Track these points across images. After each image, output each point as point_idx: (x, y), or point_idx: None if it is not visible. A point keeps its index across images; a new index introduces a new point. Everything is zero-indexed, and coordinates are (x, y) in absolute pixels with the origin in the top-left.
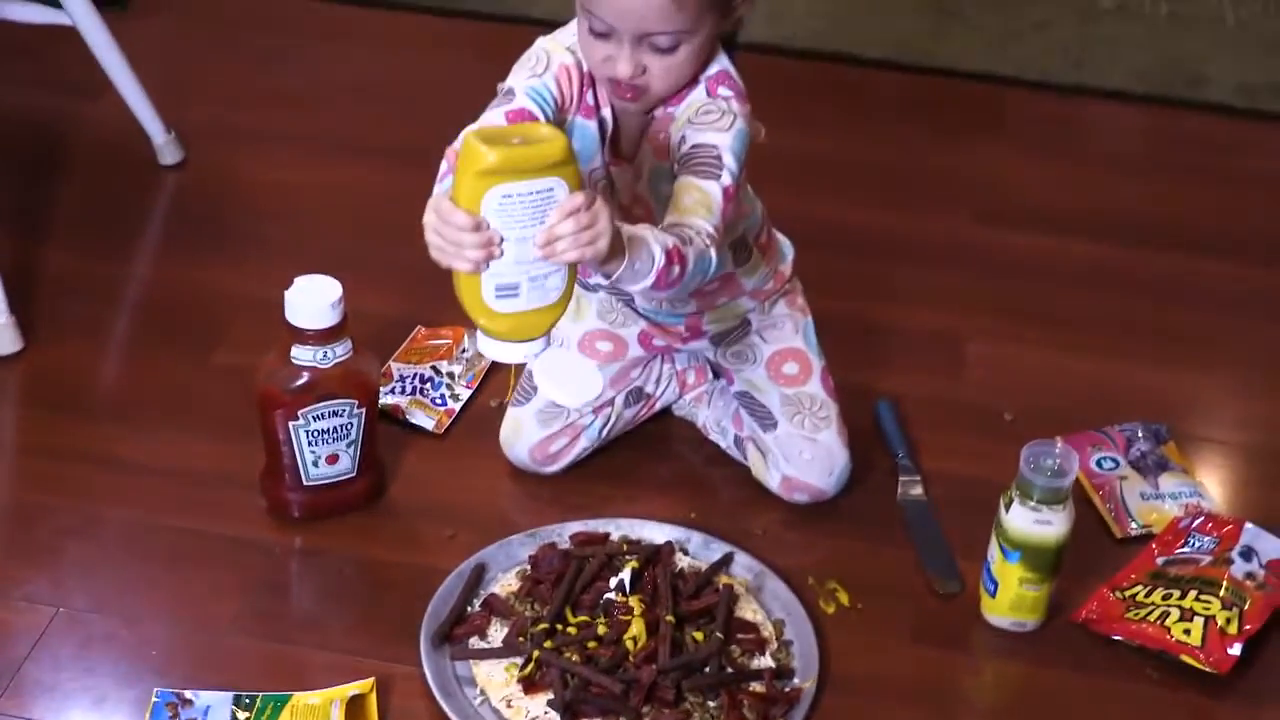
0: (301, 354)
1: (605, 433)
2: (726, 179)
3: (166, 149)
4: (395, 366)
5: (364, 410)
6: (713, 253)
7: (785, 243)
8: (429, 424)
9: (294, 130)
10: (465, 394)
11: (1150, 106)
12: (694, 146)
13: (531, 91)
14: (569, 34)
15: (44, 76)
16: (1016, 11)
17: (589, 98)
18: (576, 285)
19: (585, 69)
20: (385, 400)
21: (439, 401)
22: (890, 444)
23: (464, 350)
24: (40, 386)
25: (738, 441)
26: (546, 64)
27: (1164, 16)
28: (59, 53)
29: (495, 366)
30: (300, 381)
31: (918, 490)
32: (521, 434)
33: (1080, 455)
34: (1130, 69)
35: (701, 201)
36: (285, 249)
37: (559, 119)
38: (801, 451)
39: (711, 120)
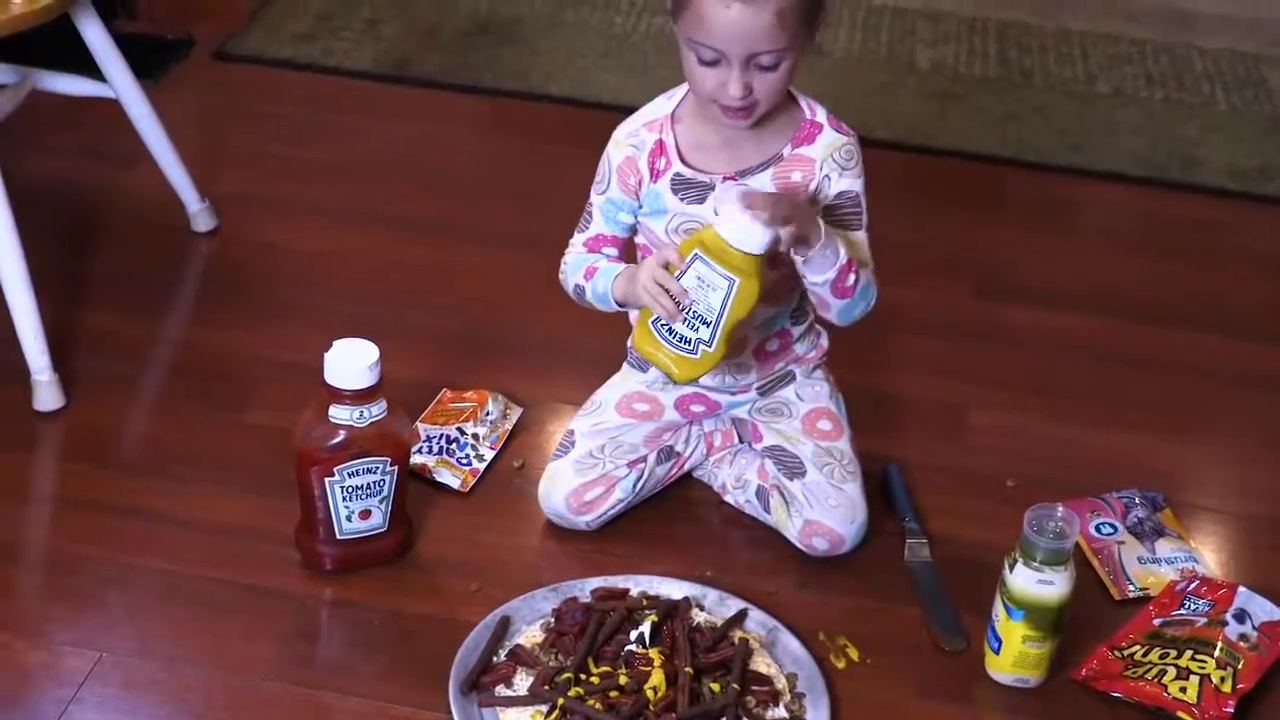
0: (339, 413)
1: (639, 486)
2: (864, 221)
3: (200, 216)
4: (422, 427)
5: (396, 468)
6: (875, 289)
7: None
8: (455, 483)
9: (322, 201)
10: (489, 454)
11: (1145, 188)
12: (840, 194)
13: (605, 208)
14: (628, 123)
15: (83, 145)
16: (1016, 96)
17: (658, 162)
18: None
19: (648, 147)
20: (413, 460)
21: (464, 461)
22: (898, 507)
23: (488, 413)
24: (80, 441)
25: (760, 493)
26: (608, 174)
27: (1159, 101)
28: (97, 122)
29: (517, 430)
30: (337, 439)
31: (924, 552)
32: (558, 483)
33: (1080, 520)
34: (1126, 151)
35: (860, 252)
36: (313, 314)
37: (634, 215)
38: (828, 498)
39: (853, 165)
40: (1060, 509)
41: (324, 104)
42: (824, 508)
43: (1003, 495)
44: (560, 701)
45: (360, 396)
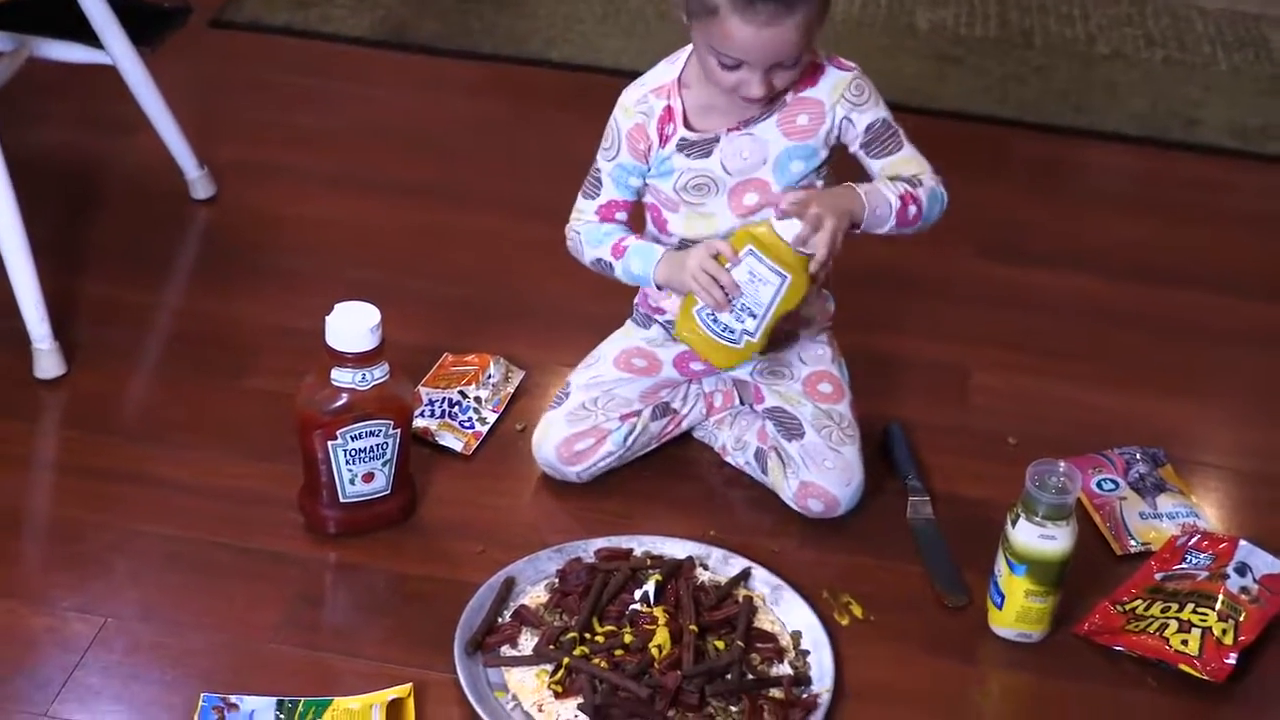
0: (341, 376)
1: (630, 441)
2: (902, 134)
3: (199, 184)
4: (424, 391)
5: (399, 431)
6: (942, 188)
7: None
8: (457, 445)
9: (320, 167)
10: (492, 417)
11: (1146, 148)
12: (868, 129)
13: (616, 174)
14: (635, 89)
15: (81, 114)
16: (1017, 57)
17: (666, 130)
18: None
19: (657, 114)
20: (415, 423)
21: (467, 424)
22: (900, 466)
23: (490, 376)
24: (82, 409)
25: (759, 454)
26: (617, 140)
27: (1159, 62)
28: (95, 90)
29: (519, 393)
30: (339, 403)
31: (926, 509)
32: (550, 433)
33: (1081, 477)
34: (1127, 112)
35: (914, 166)
36: (312, 280)
37: (643, 179)
38: (824, 460)
39: (866, 97)
40: (1062, 464)
41: (321, 71)
42: (820, 469)
43: (1004, 454)
44: (565, 661)
45: (362, 359)
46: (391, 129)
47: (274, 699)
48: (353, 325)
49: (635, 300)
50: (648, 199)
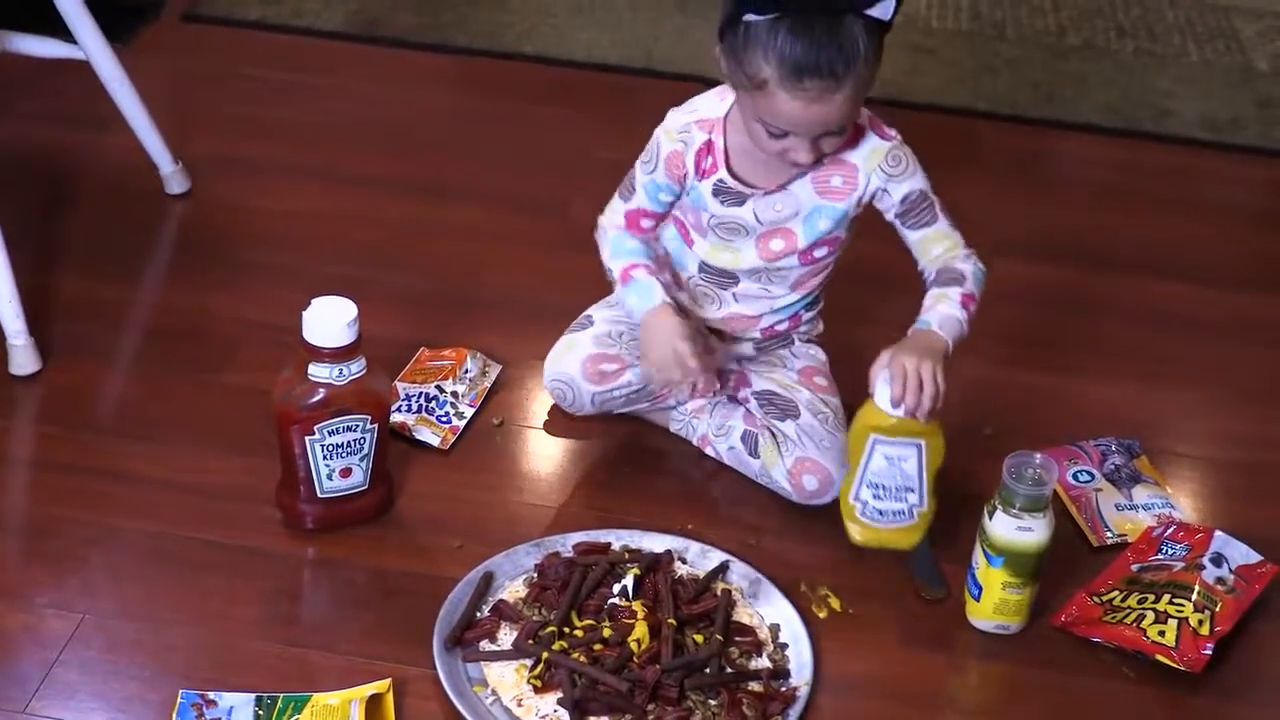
0: (318, 371)
1: (644, 380)
2: (939, 206)
3: (173, 179)
4: (400, 386)
5: (376, 425)
6: (981, 265)
7: None
8: (435, 440)
9: (295, 162)
10: (469, 412)
11: (1118, 139)
12: (904, 200)
13: (649, 187)
14: (682, 114)
15: (54, 109)
16: (989, 49)
17: (704, 162)
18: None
19: (695, 145)
20: (392, 418)
21: (444, 419)
22: None
23: (467, 371)
24: (57, 405)
25: (745, 436)
26: (656, 158)
27: (1130, 53)
28: (67, 85)
29: (496, 387)
30: (316, 398)
31: None
32: (576, 349)
33: (1058, 469)
34: (1098, 103)
35: (947, 243)
36: (288, 275)
37: (676, 198)
38: (821, 439)
39: (904, 169)
40: (1039, 456)
41: (295, 65)
42: (817, 448)
43: (980, 445)
44: (545, 655)
45: (339, 354)
46: (366, 123)
47: (253, 695)
48: (330, 320)
49: None
50: (677, 214)
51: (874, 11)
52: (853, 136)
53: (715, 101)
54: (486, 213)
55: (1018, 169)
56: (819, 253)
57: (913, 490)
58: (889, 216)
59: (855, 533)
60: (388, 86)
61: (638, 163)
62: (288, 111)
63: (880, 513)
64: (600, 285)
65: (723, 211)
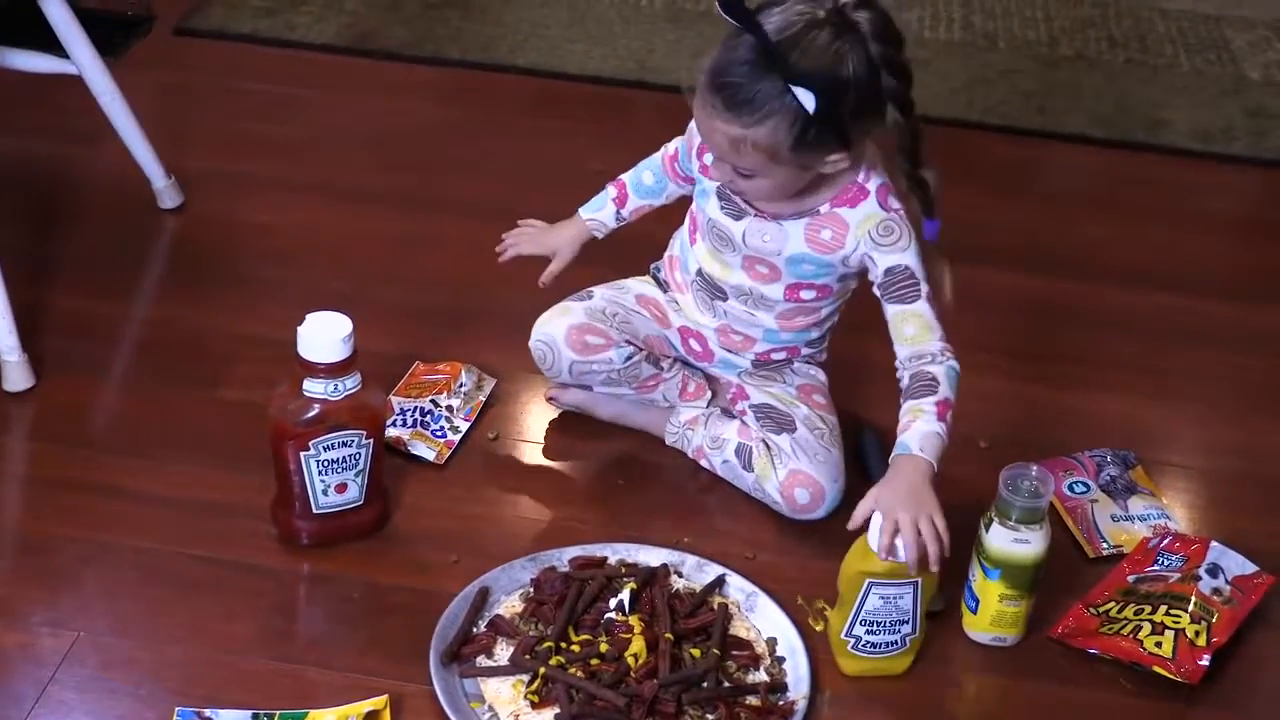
0: (313, 387)
1: (628, 364)
2: (924, 290)
3: (166, 193)
4: (395, 400)
5: (372, 441)
6: (954, 362)
7: None
8: (430, 455)
9: (289, 176)
10: (464, 426)
11: (1110, 149)
12: (888, 271)
13: (682, 145)
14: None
15: (46, 124)
16: (981, 60)
17: (707, 158)
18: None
19: (698, 141)
20: (387, 433)
21: (439, 433)
22: (873, 472)
23: (461, 385)
24: (51, 421)
25: (740, 450)
26: (690, 133)
27: (1122, 64)
28: (60, 101)
29: (491, 401)
30: (312, 413)
31: None
32: (567, 314)
33: (1054, 480)
34: (1091, 114)
35: (921, 325)
36: (282, 289)
37: (689, 177)
38: (815, 453)
39: (894, 240)
40: (1034, 468)
41: (288, 79)
42: (811, 461)
43: (976, 457)
44: (541, 670)
45: (334, 369)
46: (359, 136)
47: (249, 712)
48: (324, 335)
49: (655, 264)
50: (692, 209)
51: (797, 91)
52: (855, 196)
53: None
54: (481, 226)
55: (1010, 180)
56: (805, 294)
57: (906, 622)
58: (874, 285)
59: (846, 665)
60: (380, 100)
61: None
62: (281, 125)
63: (874, 645)
64: (621, 266)
65: (719, 218)
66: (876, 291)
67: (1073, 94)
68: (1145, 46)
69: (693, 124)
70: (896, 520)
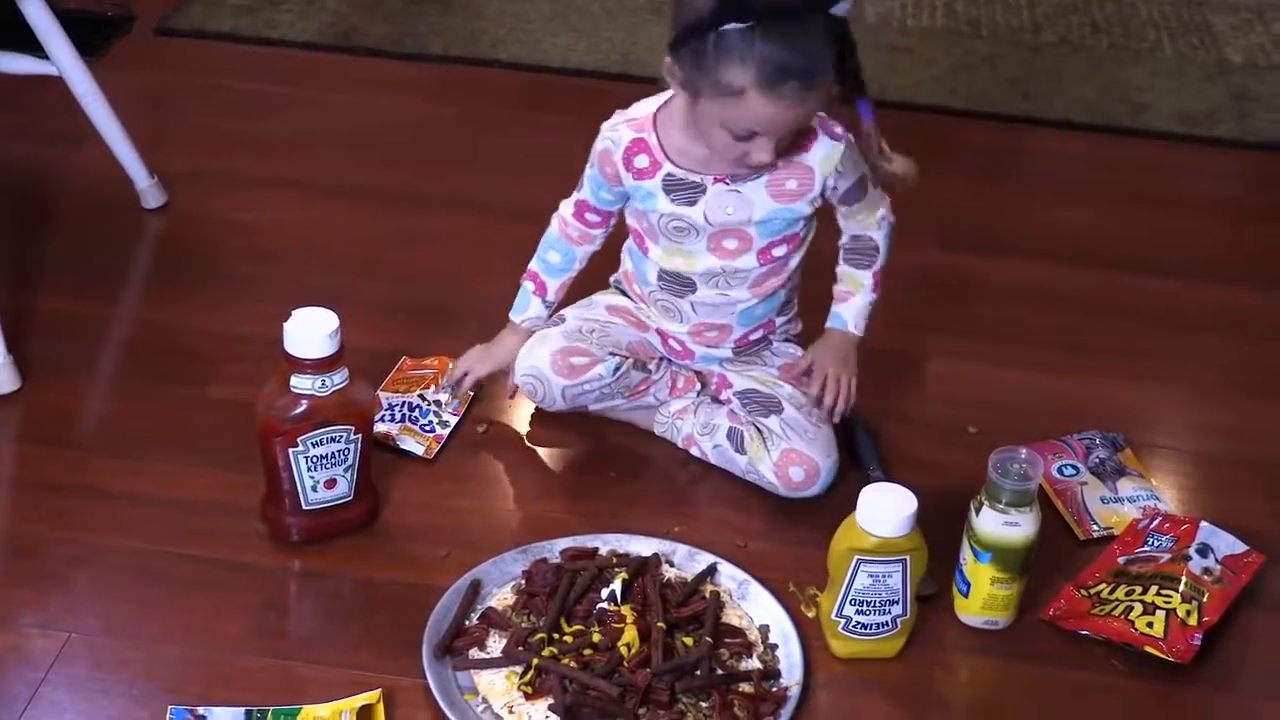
0: (300, 383)
1: (618, 375)
2: (870, 183)
3: (149, 193)
4: (383, 396)
5: (360, 436)
6: (892, 217)
7: None
8: (419, 450)
9: (272, 174)
10: (452, 420)
11: (1095, 134)
12: (848, 189)
13: (591, 182)
14: (617, 115)
15: (27, 125)
16: (964, 47)
17: (635, 160)
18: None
19: (623, 144)
20: (375, 428)
21: (427, 428)
22: (862, 458)
23: (449, 379)
24: (39, 423)
25: (731, 434)
26: (593, 153)
27: (1105, 49)
28: (41, 102)
29: (480, 394)
30: (299, 410)
31: None
32: (546, 343)
33: (1043, 463)
34: (1075, 99)
35: (869, 211)
36: (268, 287)
37: (617, 200)
38: (806, 431)
39: (855, 164)
40: (1024, 451)
41: (269, 77)
42: (803, 439)
43: (966, 442)
44: (535, 661)
45: (321, 365)
46: (342, 133)
47: (242, 709)
48: (311, 331)
49: (614, 277)
50: (631, 222)
51: (837, 11)
52: (805, 139)
53: (648, 103)
54: (465, 220)
55: (994, 166)
56: (778, 251)
57: (896, 603)
58: (833, 200)
59: (837, 647)
60: (363, 96)
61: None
62: (263, 123)
63: (864, 626)
64: (578, 290)
65: (672, 210)
66: (835, 201)
67: (1056, 80)
68: (1128, 31)
69: (603, 145)
70: (827, 373)
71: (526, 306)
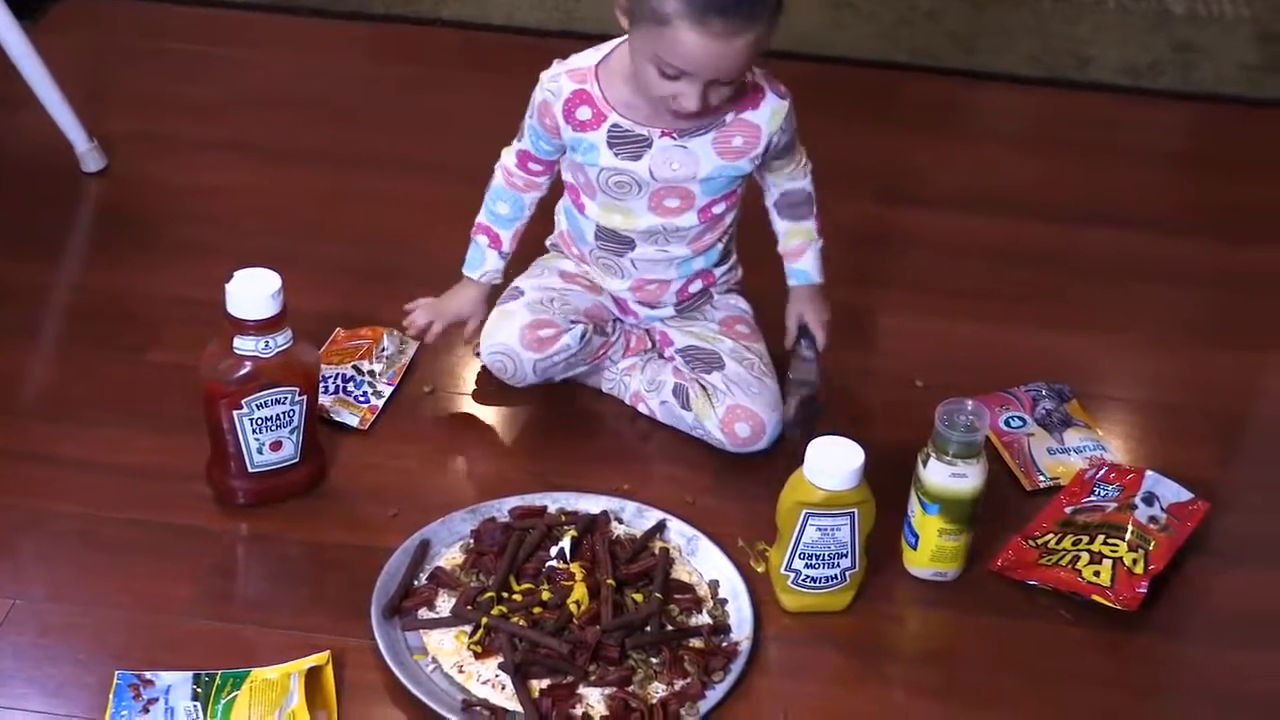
0: (244, 344)
1: (584, 343)
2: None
3: (89, 157)
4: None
5: (305, 397)
6: (809, 163)
7: None
8: (353, 421)
9: (213, 136)
10: (387, 390)
11: (1040, 88)
12: (785, 145)
13: (531, 132)
14: (557, 65)
15: None
16: (908, 2)
17: (577, 112)
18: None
19: (564, 95)
20: None
21: (362, 399)
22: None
23: (383, 349)
24: None
25: (677, 390)
26: (533, 104)
27: (1048, 2)
28: None
29: (421, 358)
30: (243, 371)
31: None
32: (511, 318)
33: (989, 415)
34: (1019, 53)
35: (795, 161)
36: (209, 250)
37: (557, 143)
38: (749, 386)
39: (793, 119)
40: (970, 403)
41: (209, 38)
42: (747, 394)
43: (912, 395)
44: (484, 620)
45: (264, 326)
46: (284, 94)
47: (190, 673)
48: (254, 292)
49: (550, 239)
50: (567, 178)
51: None
52: (754, 97)
53: (589, 53)
54: (408, 181)
55: (941, 120)
56: (717, 209)
57: (845, 556)
58: (770, 158)
59: (787, 601)
60: (304, 57)
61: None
62: (204, 85)
63: (813, 579)
64: (524, 253)
65: (615, 164)
66: (771, 155)
67: (1001, 34)
68: None
69: (543, 96)
70: (821, 325)
71: (482, 260)
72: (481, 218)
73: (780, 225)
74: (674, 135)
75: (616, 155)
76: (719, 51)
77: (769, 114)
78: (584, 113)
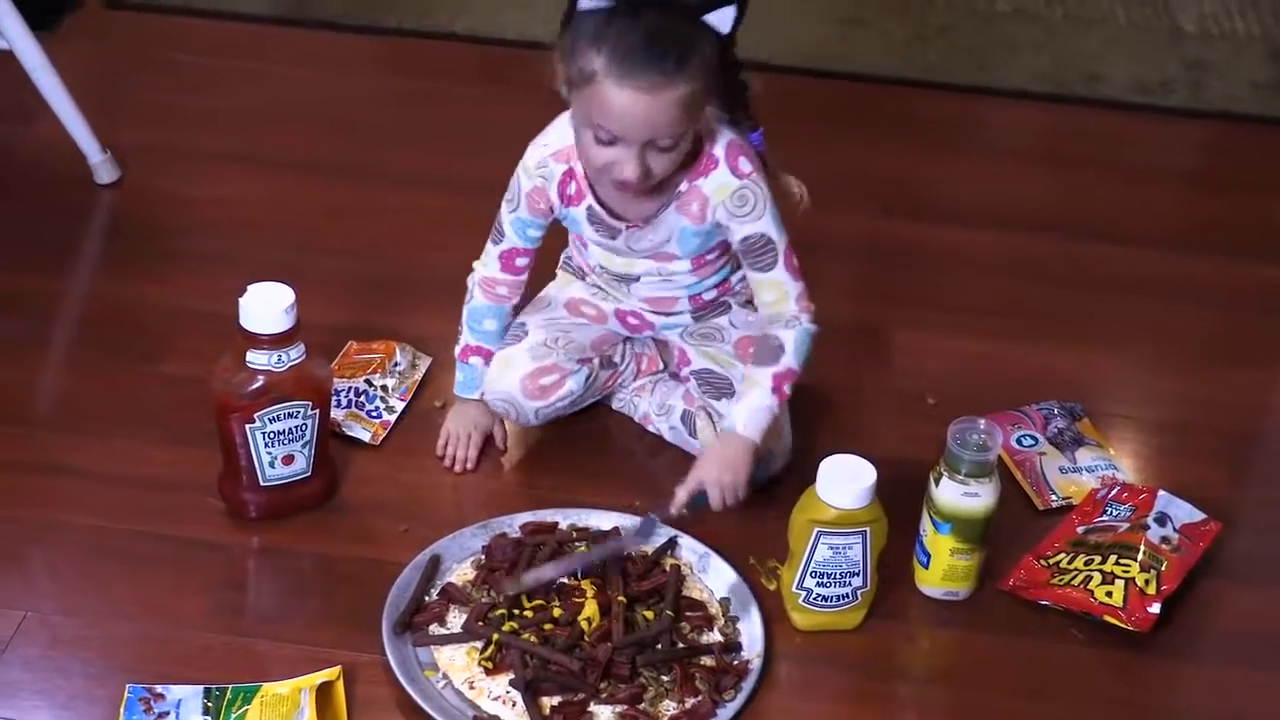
0: (256, 358)
1: (588, 384)
2: (781, 250)
3: (102, 168)
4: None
5: (318, 411)
6: (808, 324)
7: None
8: (365, 436)
9: (225, 148)
10: (400, 405)
11: (1050, 104)
12: (744, 240)
13: (516, 225)
14: (536, 150)
15: None
16: (919, 17)
17: (568, 190)
18: (570, 268)
19: (556, 178)
20: None
21: (374, 414)
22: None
23: (396, 364)
24: None
25: (685, 416)
26: (518, 196)
27: (1060, 19)
28: None
29: (433, 373)
30: (256, 385)
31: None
32: (512, 366)
33: (1002, 434)
34: (1030, 69)
35: (778, 292)
36: (222, 262)
37: (545, 228)
38: None
39: (749, 210)
40: (982, 422)
41: (222, 50)
42: None
43: (924, 413)
44: (495, 636)
45: (277, 340)
46: (297, 107)
47: (201, 687)
48: (267, 306)
49: (564, 255)
50: (565, 224)
51: (711, 19)
52: (706, 167)
53: (566, 130)
54: (421, 195)
55: (952, 137)
56: (709, 255)
57: (857, 574)
58: (734, 249)
59: (798, 619)
60: (318, 70)
61: (502, 203)
62: (217, 97)
63: (825, 598)
64: (536, 269)
65: (597, 239)
66: (737, 253)
67: (1011, 50)
68: (1082, 1)
69: (532, 184)
70: (715, 484)
71: (480, 380)
72: (468, 340)
73: (747, 361)
74: (639, 225)
75: (596, 232)
76: (648, 107)
77: (715, 185)
78: (571, 188)
